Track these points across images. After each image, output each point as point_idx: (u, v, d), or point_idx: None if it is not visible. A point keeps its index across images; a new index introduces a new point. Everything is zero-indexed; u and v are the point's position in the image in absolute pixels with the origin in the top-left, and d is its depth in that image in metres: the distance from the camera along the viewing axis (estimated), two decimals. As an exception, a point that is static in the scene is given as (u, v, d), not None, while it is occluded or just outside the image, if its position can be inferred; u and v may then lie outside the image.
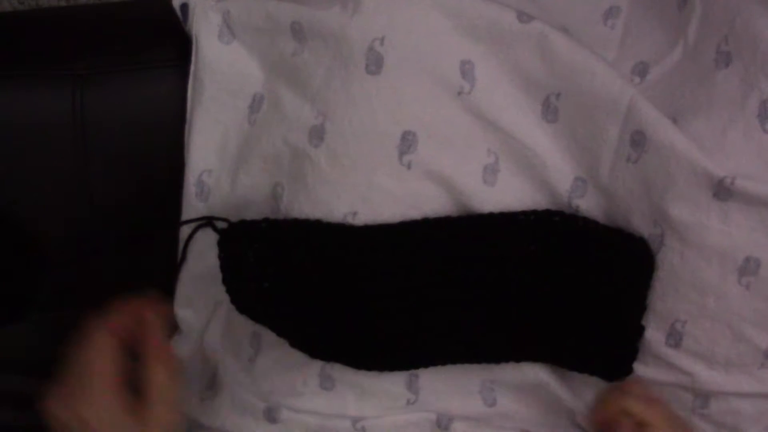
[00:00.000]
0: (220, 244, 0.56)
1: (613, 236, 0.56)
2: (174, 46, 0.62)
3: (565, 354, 0.59)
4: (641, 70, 0.59)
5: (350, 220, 0.55)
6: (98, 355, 0.47)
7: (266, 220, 0.56)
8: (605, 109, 0.54)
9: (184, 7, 0.59)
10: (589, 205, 0.57)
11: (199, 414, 0.61)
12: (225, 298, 0.63)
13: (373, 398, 0.60)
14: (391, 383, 0.60)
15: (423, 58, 0.53)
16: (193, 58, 0.59)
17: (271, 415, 0.61)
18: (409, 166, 0.54)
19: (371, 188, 0.54)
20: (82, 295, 0.67)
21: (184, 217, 0.61)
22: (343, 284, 0.54)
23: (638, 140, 0.53)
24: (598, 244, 0.56)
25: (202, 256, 0.62)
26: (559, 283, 0.56)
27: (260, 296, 0.56)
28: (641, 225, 0.55)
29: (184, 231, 0.61)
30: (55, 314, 0.68)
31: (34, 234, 0.64)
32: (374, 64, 0.53)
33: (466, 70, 0.54)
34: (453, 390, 0.61)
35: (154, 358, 0.47)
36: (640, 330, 0.56)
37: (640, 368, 0.57)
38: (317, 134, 0.54)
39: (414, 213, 0.55)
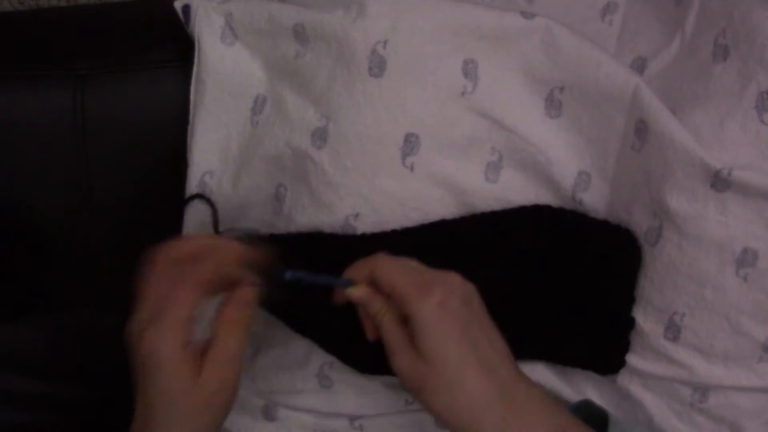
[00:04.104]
0: None
1: (600, 228, 0.57)
2: (174, 46, 0.62)
3: (558, 349, 0.59)
4: (639, 66, 0.59)
5: (352, 222, 0.55)
6: (176, 288, 0.45)
7: (272, 235, 0.56)
8: (611, 98, 0.55)
9: (186, 9, 0.59)
10: (592, 198, 0.57)
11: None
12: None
13: (371, 398, 0.61)
14: (389, 383, 0.60)
15: (426, 60, 0.53)
16: (195, 60, 0.59)
17: (269, 414, 0.61)
18: (411, 168, 0.54)
19: (374, 190, 0.54)
20: (83, 295, 0.68)
21: (186, 217, 0.61)
22: None
23: (641, 129, 0.54)
24: (585, 236, 0.57)
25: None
26: (549, 277, 0.56)
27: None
28: (642, 216, 0.55)
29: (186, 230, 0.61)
30: (55, 314, 0.68)
31: (34, 233, 0.64)
32: (377, 66, 0.53)
33: (469, 69, 0.54)
34: None
35: (227, 319, 0.46)
36: (631, 322, 0.57)
37: (639, 362, 0.57)
38: (320, 136, 0.55)
39: (416, 214, 0.55)
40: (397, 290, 0.45)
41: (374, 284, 0.47)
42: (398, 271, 0.47)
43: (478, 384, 0.45)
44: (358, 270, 0.48)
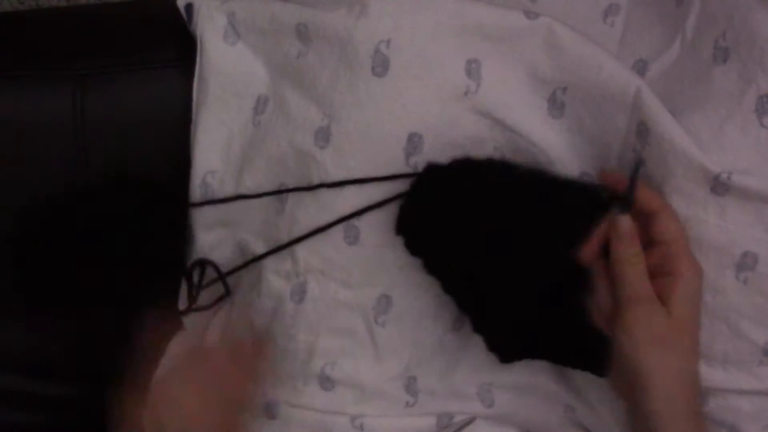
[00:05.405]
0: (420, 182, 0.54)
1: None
2: (174, 46, 0.62)
3: (556, 349, 0.59)
4: (640, 68, 0.59)
5: (355, 222, 0.55)
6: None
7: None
8: (613, 99, 0.54)
9: (189, 8, 0.59)
10: None
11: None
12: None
13: (372, 400, 0.61)
14: (391, 385, 0.60)
15: (429, 59, 0.53)
16: (198, 59, 0.59)
17: (269, 411, 0.61)
18: (415, 168, 0.54)
19: (377, 190, 0.54)
20: (82, 295, 0.68)
21: (194, 219, 0.61)
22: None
23: (642, 131, 0.54)
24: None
25: (204, 255, 0.62)
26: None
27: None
28: None
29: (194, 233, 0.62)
30: (56, 314, 0.68)
31: (34, 233, 0.64)
32: (380, 66, 0.53)
33: (472, 69, 0.54)
34: (451, 393, 0.62)
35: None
36: None
37: (639, 365, 0.57)
38: (323, 136, 0.54)
39: None
40: (684, 244, 0.48)
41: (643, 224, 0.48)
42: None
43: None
44: (649, 197, 0.49)
